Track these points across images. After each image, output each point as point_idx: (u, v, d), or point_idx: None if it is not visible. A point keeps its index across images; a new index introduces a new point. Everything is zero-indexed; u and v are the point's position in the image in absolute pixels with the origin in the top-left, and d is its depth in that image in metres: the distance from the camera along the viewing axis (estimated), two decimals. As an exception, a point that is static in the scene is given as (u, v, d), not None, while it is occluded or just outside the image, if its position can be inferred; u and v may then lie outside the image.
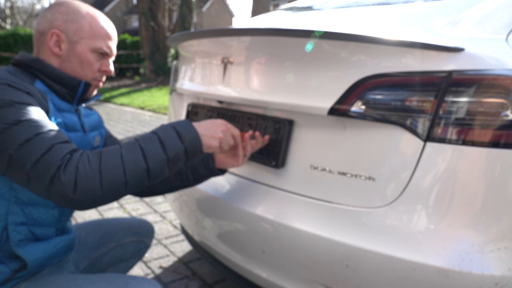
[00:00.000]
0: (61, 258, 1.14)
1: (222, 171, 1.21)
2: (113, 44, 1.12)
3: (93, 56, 1.08)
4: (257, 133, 1.14)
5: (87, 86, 1.08)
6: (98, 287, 1.01)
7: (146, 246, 1.52)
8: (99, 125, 1.26)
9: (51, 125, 0.89)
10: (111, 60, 1.13)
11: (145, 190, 1.26)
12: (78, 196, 0.80)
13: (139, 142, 0.89)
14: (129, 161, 0.85)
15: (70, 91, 1.07)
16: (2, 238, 0.97)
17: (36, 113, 0.89)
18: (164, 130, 0.92)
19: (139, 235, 1.47)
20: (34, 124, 0.85)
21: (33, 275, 1.07)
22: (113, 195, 0.84)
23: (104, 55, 1.10)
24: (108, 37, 1.09)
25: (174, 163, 0.91)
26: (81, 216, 2.60)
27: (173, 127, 0.93)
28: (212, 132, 0.98)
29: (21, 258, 1.00)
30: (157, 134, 0.91)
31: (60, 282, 1.04)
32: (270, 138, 1.18)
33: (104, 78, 1.14)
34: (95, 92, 1.16)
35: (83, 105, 1.21)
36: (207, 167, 1.19)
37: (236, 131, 1.05)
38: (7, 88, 0.89)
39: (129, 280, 1.04)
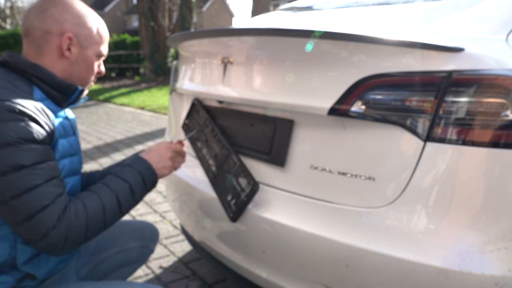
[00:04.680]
0: (65, 264, 1.13)
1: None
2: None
3: (95, 60, 1.10)
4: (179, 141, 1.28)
5: (81, 92, 1.09)
6: None
7: (149, 251, 1.47)
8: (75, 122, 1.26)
9: (49, 170, 0.91)
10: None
11: None
12: (66, 248, 0.92)
13: (116, 194, 1.01)
14: (109, 214, 0.99)
15: (65, 96, 1.06)
16: (10, 258, 0.97)
17: (38, 155, 0.90)
18: (134, 177, 1.06)
19: (143, 240, 1.43)
20: (34, 173, 0.88)
21: (39, 284, 1.06)
22: (93, 238, 0.99)
23: (101, 57, 1.13)
24: (107, 41, 1.13)
25: (138, 202, 1.09)
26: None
27: (139, 173, 1.07)
28: (163, 164, 1.14)
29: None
30: (129, 183, 1.04)
31: None
32: (270, 138, 1.18)
33: (95, 79, 1.17)
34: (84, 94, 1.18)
35: (74, 106, 1.21)
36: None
37: (178, 147, 1.20)
38: (15, 119, 0.87)
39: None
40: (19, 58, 1.00)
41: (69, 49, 1.03)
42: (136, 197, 1.05)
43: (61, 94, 1.05)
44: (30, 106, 0.92)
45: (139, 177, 1.06)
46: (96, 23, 1.09)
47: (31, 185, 0.87)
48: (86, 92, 1.15)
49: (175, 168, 1.19)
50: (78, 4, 1.07)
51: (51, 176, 0.91)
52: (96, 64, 1.11)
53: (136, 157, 1.12)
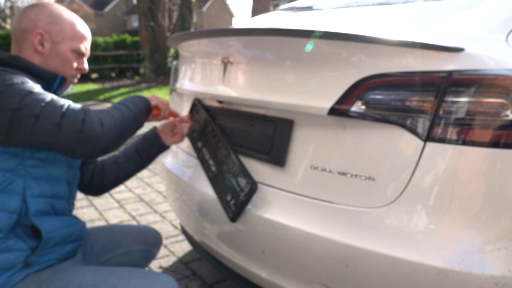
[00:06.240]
0: (74, 246, 1.19)
1: (167, 147, 1.45)
2: (88, 45, 1.25)
3: (72, 55, 1.19)
4: (188, 114, 1.50)
5: (63, 80, 1.17)
6: (120, 276, 1.09)
7: (152, 255, 1.52)
8: None
9: (54, 96, 1.03)
10: (85, 59, 1.25)
11: (106, 181, 1.41)
12: (105, 135, 1.03)
13: (119, 110, 1.13)
14: (118, 118, 1.10)
15: (47, 84, 1.14)
16: (22, 210, 1.05)
17: (41, 88, 1.04)
18: (128, 101, 1.19)
19: (147, 244, 1.49)
20: (45, 94, 1.01)
21: (57, 263, 1.14)
22: (122, 131, 1.09)
23: (81, 54, 1.21)
24: (85, 38, 1.22)
25: (138, 119, 1.20)
26: (82, 217, 2.60)
27: (131, 100, 1.20)
28: (149, 97, 1.28)
29: (38, 236, 1.07)
30: (125, 105, 1.17)
31: (83, 271, 1.12)
32: (269, 138, 1.18)
33: (79, 75, 1.26)
34: (70, 88, 1.26)
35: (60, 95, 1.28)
36: (156, 145, 1.43)
37: (164, 100, 1.36)
38: (5, 73, 1.00)
39: (148, 273, 1.14)
40: (1, 53, 1.11)
41: (42, 45, 1.13)
42: (136, 115, 1.17)
43: (44, 81, 1.13)
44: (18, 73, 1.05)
45: (132, 101, 1.20)
46: (70, 21, 1.18)
47: (48, 98, 1.00)
48: (70, 84, 1.24)
49: (157, 102, 1.31)
50: (54, 6, 1.18)
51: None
52: (73, 59, 1.19)
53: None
